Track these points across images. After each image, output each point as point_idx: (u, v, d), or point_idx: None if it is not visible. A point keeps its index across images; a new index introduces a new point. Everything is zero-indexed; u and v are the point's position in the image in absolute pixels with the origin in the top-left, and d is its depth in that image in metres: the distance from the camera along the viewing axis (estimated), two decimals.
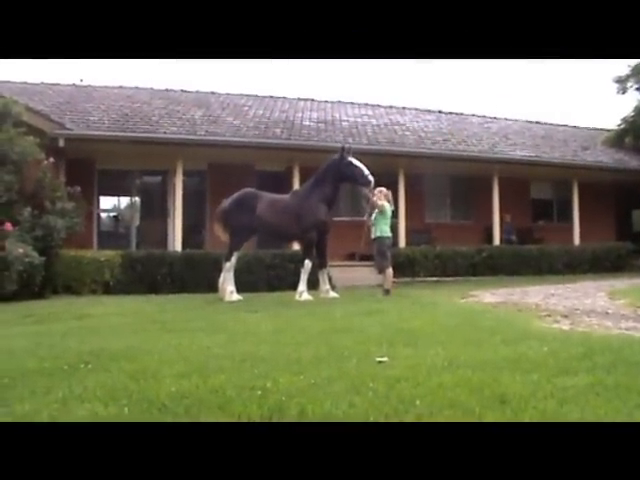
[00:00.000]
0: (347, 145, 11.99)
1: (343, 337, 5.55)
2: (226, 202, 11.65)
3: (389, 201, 11.50)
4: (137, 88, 20.93)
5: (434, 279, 16.78)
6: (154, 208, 19.70)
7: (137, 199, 19.68)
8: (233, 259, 11.31)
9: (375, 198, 11.30)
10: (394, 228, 12.28)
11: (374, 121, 21.06)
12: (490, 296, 11.07)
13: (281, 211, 11.30)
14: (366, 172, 11.02)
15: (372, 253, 11.81)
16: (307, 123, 19.38)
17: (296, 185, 16.27)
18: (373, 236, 11.37)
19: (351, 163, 11.17)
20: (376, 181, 11.31)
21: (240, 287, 11.42)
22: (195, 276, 14.20)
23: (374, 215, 11.34)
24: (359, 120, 20.85)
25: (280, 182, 17.16)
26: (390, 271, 11.34)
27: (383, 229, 11.26)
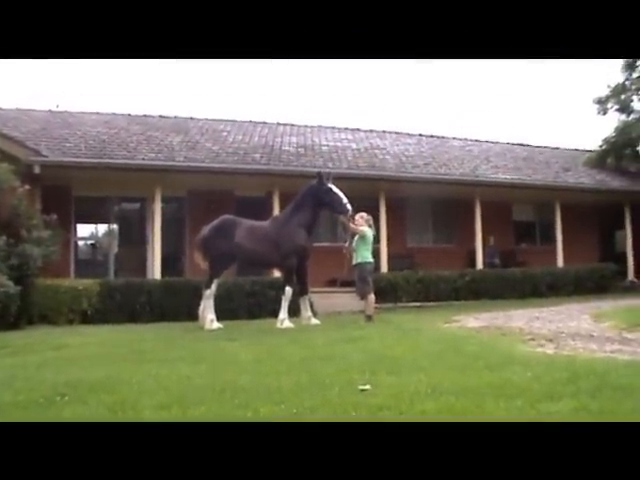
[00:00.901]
0: (325, 171, 12.04)
1: (325, 365, 5.54)
2: (205, 229, 11.64)
3: (370, 226, 11.51)
4: (114, 114, 20.89)
5: (417, 304, 16.78)
6: (132, 235, 19.66)
7: (115, 226, 19.63)
8: (213, 287, 11.28)
9: (356, 223, 11.32)
10: (375, 253, 12.26)
11: (354, 145, 21.18)
12: (473, 321, 11.09)
13: (260, 238, 11.29)
14: (344, 200, 11.02)
15: (354, 279, 11.81)
16: (287, 148, 19.45)
17: (276, 211, 16.27)
18: (354, 262, 11.37)
19: (330, 190, 11.17)
20: (357, 206, 11.34)
21: (220, 315, 11.38)
22: (175, 304, 14.12)
23: (355, 240, 11.36)
24: (339, 144, 20.96)
25: (260, 208, 17.15)
26: (372, 297, 11.33)
27: (364, 255, 11.26)
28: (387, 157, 20.37)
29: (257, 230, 11.48)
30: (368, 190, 17.84)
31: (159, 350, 7.51)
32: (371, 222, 11.63)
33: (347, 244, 11.59)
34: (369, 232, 11.37)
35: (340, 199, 11.04)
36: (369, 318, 11.05)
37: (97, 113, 20.72)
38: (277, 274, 14.30)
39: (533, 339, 7.56)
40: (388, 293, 16.51)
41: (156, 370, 5.54)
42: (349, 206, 11.00)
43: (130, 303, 14.13)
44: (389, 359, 5.77)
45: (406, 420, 3.06)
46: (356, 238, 11.33)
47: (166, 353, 7.12)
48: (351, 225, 11.28)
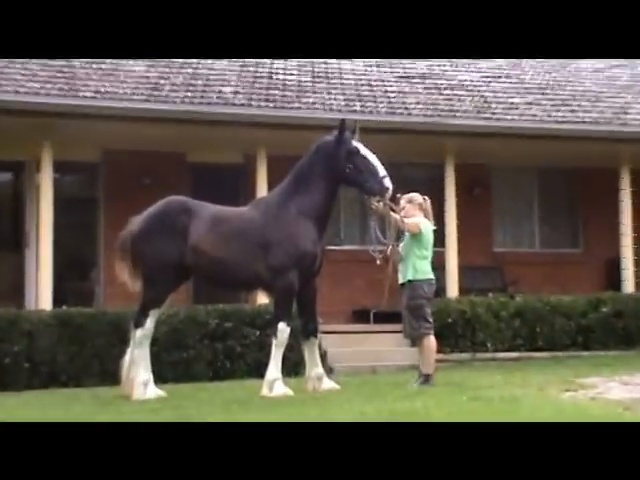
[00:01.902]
0: (350, 119, 12.04)
1: None
2: (137, 220, 11.68)
3: (427, 216, 11.54)
4: None
5: (512, 355, 16.84)
6: None
7: None
8: (148, 323, 11.34)
9: (403, 212, 11.33)
10: (436, 264, 12.24)
11: (400, 71, 21.12)
12: (619, 387, 11.07)
13: (235, 235, 11.35)
14: (381, 172, 11.02)
15: (399, 309, 11.84)
16: (280, 76, 19.41)
17: (263, 189, 16.32)
18: (401, 279, 11.43)
19: (357, 152, 11.17)
20: (404, 181, 11.41)
21: (162, 374, 11.49)
22: (77, 355, 14.19)
23: (403, 242, 11.43)
24: (374, 71, 20.92)
25: (233, 183, 17.26)
26: (432, 341, 11.34)
27: (419, 266, 11.27)
28: (459, 92, 20.30)
29: (229, 223, 11.56)
30: (426, 151, 17.93)
31: None
32: (429, 209, 11.64)
33: (390, 247, 11.53)
34: (427, 227, 11.41)
35: (374, 169, 11.08)
36: (426, 379, 11.13)
37: None
38: (264, 300, 14.40)
39: None
40: (461, 334, 16.60)
41: None
42: (388, 181, 11.01)
43: None
44: None
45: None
46: (405, 238, 11.37)
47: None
48: (394, 215, 11.30)
